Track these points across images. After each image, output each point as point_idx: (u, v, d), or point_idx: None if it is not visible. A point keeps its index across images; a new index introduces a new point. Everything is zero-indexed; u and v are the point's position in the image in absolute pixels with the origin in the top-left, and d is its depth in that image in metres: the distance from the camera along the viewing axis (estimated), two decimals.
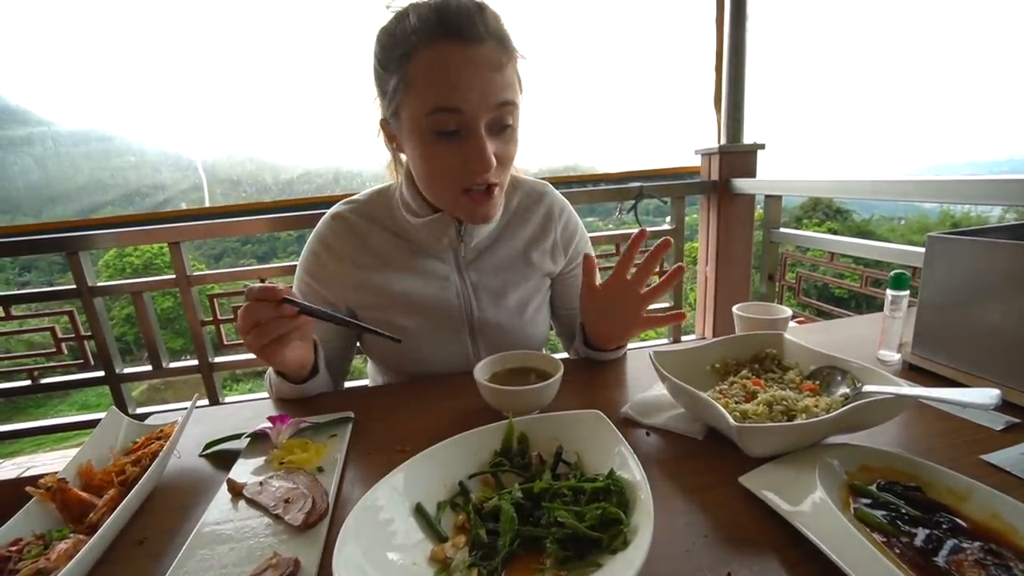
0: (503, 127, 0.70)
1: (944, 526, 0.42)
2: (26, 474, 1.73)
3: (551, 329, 1.03)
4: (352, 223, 0.85)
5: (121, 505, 0.50)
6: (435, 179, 0.74)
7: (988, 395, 0.47)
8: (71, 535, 0.48)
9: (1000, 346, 0.66)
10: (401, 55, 0.66)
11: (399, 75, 0.67)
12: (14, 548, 0.46)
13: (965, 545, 0.40)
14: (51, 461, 1.82)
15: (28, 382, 1.73)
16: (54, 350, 1.72)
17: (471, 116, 0.66)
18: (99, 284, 1.66)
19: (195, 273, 1.71)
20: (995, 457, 0.54)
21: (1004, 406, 0.62)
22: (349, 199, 0.88)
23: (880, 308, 0.80)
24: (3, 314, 1.67)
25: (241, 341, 1.92)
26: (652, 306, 0.75)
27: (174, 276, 1.69)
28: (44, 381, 1.75)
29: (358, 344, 0.96)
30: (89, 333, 1.70)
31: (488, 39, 0.66)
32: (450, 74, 0.65)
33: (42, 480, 0.52)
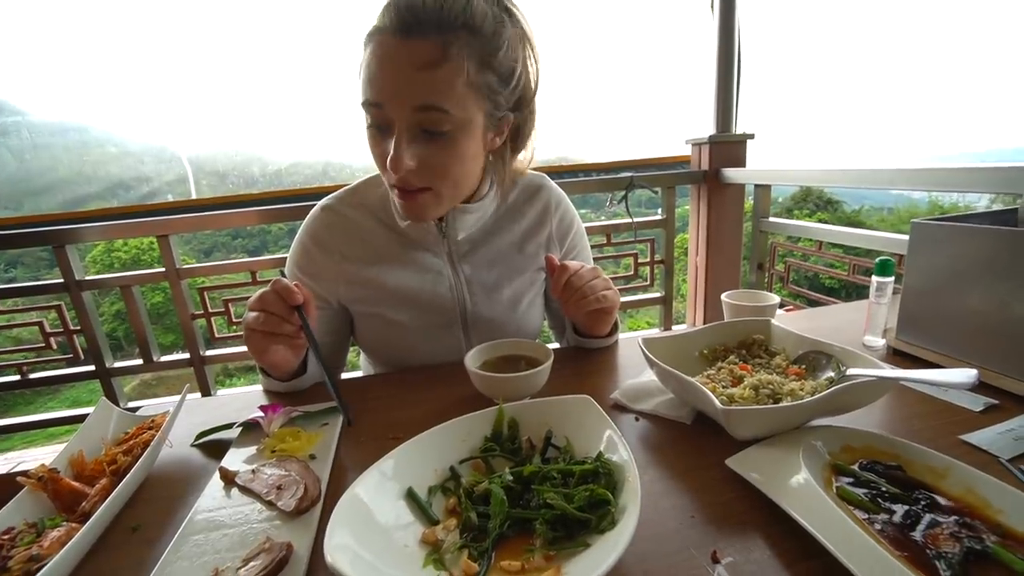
0: (432, 133, 0.66)
1: (922, 502, 0.43)
2: (17, 469, 1.72)
3: (544, 321, 1.03)
4: (342, 215, 0.84)
5: (114, 493, 0.50)
6: (379, 170, 0.74)
7: (966, 375, 0.48)
8: (64, 523, 0.48)
9: (980, 329, 0.67)
10: (363, 44, 0.67)
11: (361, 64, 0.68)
12: (6, 536, 0.46)
13: (941, 520, 0.41)
14: (42, 456, 1.82)
15: (17, 377, 1.72)
16: (43, 345, 1.70)
17: (388, 113, 0.65)
18: (87, 278, 1.65)
19: (184, 266, 1.70)
20: (974, 437, 0.55)
21: (984, 388, 0.63)
22: (339, 190, 0.87)
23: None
24: None
25: (232, 334, 1.88)
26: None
27: (163, 270, 1.67)
28: (33, 376, 1.73)
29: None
30: (78, 327, 1.68)
31: (429, 35, 0.61)
32: (374, 67, 0.64)
33: (33, 470, 0.52)
